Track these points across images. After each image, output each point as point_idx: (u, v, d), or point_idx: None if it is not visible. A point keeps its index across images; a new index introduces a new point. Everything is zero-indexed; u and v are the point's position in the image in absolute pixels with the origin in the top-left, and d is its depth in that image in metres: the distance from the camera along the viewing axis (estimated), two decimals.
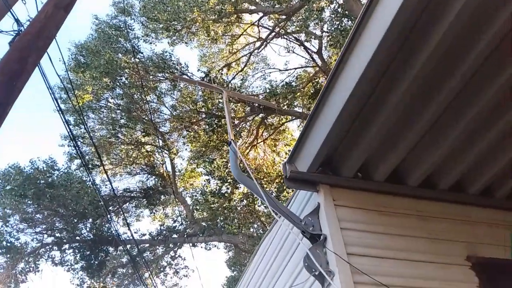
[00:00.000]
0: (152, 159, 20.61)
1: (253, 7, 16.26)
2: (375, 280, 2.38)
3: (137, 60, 16.24)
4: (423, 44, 2.21)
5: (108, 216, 10.95)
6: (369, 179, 2.92)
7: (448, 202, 3.03)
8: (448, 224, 2.92)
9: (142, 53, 17.01)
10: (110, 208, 18.43)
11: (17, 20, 6.26)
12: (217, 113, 16.39)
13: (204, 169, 16.54)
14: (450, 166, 2.96)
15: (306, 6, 13.40)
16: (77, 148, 7.61)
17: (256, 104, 16.44)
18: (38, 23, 5.87)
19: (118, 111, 18.40)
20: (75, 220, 15.08)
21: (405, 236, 2.76)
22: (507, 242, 2.92)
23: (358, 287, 2.36)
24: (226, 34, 17.71)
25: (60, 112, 7.87)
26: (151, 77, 17.61)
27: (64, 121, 7.74)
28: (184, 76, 17.33)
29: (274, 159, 18.98)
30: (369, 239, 2.66)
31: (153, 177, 21.04)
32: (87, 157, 18.22)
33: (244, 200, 17.58)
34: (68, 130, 7.49)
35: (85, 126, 10.70)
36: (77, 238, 14.92)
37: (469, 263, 2.72)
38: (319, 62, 16.96)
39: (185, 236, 18.17)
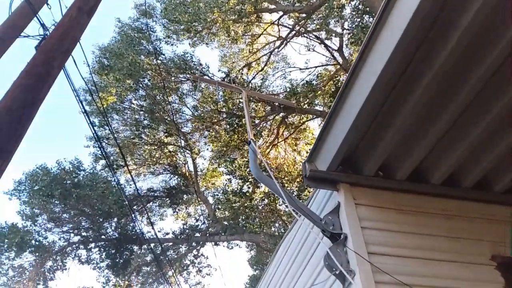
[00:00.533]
0: (174, 159, 20.89)
1: (273, 6, 16.25)
2: (397, 280, 2.36)
3: (159, 61, 16.47)
4: (443, 42, 2.17)
5: (132, 215, 11.13)
6: (390, 178, 2.88)
7: (472, 200, 2.96)
8: (471, 223, 2.86)
9: (164, 54, 17.24)
10: (135, 207, 18.79)
11: (42, 25, 6.44)
12: (237, 113, 16.45)
13: (225, 168, 16.64)
14: (473, 164, 2.90)
15: (326, 4, 13.30)
16: (101, 149, 7.77)
17: (277, 103, 16.43)
18: (62, 27, 6.03)
19: (141, 112, 18.71)
20: (101, 220, 15.41)
21: (427, 235, 2.71)
22: None
23: (380, 286, 2.34)
24: (246, 34, 17.76)
25: (85, 114, 8.06)
26: (172, 78, 17.83)
27: (89, 122, 7.93)
28: (205, 76, 17.48)
29: (295, 158, 18.93)
30: (390, 238, 2.63)
31: (176, 176, 21.33)
32: (111, 158, 18.61)
33: (265, 199, 17.62)
34: (93, 131, 7.67)
35: (109, 127, 10.91)
36: (103, 237, 15.25)
37: (494, 263, 2.66)
38: (340, 60, 16.81)
39: (207, 234, 18.33)
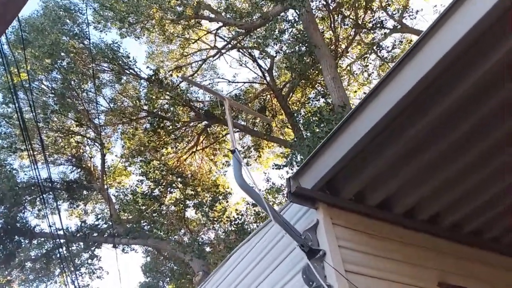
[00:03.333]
0: (81, 151, 19.54)
1: (213, 16, 16.33)
2: None
3: (85, 45, 15.45)
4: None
5: (30, 203, 10.11)
6: (362, 203, 3.14)
7: (425, 232, 3.35)
8: (423, 251, 3.23)
9: (89, 39, 16.21)
10: (26, 197, 17.11)
11: None
12: (161, 114, 16.05)
13: (139, 168, 16.01)
14: (432, 202, 3.29)
15: (267, 25, 13.77)
16: (22, 125, 7.02)
17: (202, 111, 16.40)
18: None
19: (52, 95, 17.28)
20: None
21: (390, 259, 3.00)
22: (474, 274, 3.30)
23: None
24: (181, 36, 17.53)
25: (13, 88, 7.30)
26: (94, 65, 16.81)
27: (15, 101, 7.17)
28: (131, 70, 16.82)
29: (211, 168, 18.97)
30: (362, 259, 2.86)
31: (79, 170, 19.92)
32: (8, 140, 16.82)
33: (175, 207, 17.27)
34: (17, 107, 6.93)
35: (32, 104, 9.85)
36: None
37: None
38: (268, 79, 17.38)
39: (106, 235, 17.34)
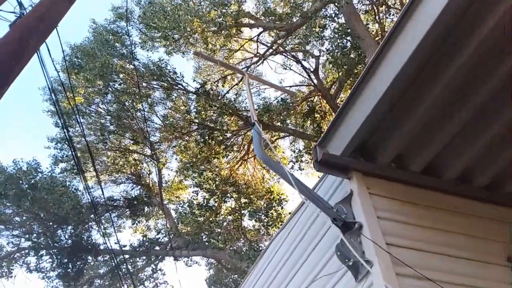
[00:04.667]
0: (139, 168, 20.19)
1: (253, 22, 16.31)
2: (419, 273, 2.16)
3: (133, 66, 16.03)
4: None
5: (93, 221, 10.45)
6: (404, 169, 2.73)
7: (481, 200, 2.85)
8: (482, 222, 2.74)
9: (138, 59, 16.81)
10: (92, 216, 17.85)
11: (20, 3, 6.03)
12: (210, 125, 16.17)
13: (193, 180, 16.16)
14: (486, 164, 2.80)
15: (307, 23, 13.46)
16: (72, 149, 7.26)
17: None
18: (42, 8, 5.65)
19: (108, 117, 18.06)
20: (55, 226, 14.48)
21: (442, 230, 2.56)
22: None
23: (400, 279, 2.13)
24: (224, 47, 17.67)
25: (59, 112, 7.55)
26: (144, 84, 17.37)
27: (62, 122, 7.43)
28: (179, 85, 17.16)
29: (264, 175, 18.74)
30: (407, 231, 2.45)
31: (139, 187, 20.56)
32: (71, 162, 17.72)
33: (231, 215, 17.24)
34: (66, 132, 7.19)
35: (81, 127, 10.30)
36: (56, 244, 14.27)
37: (511, 264, 2.53)
38: (315, 81, 16.96)
39: (168, 249, 17.62)
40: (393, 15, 16.07)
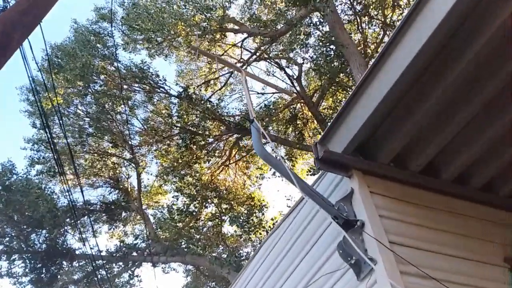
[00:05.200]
0: (117, 171, 19.79)
1: (237, 27, 16.32)
2: (422, 272, 2.15)
3: (114, 68, 15.77)
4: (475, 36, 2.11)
5: (69, 225, 10.14)
6: (403, 168, 2.73)
7: (479, 202, 2.88)
8: (480, 223, 2.76)
9: (120, 61, 16.55)
10: (68, 220, 17.37)
11: None
12: (192, 129, 16.03)
13: (173, 185, 15.95)
14: (483, 166, 2.84)
15: (292, 31, 13.55)
16: (53, 151, 7.05)
17: (233, 124, 16.25)
18: (26, 1, 5.49)
19: (87, 119, 17.68)
20: (29, 229, 14.01)
21: (441, 230, 2.57)
22: None
23: (404, 277, 2.11)
24: (208, 51, 17.60)
25: (41, 113, 7.36)
26: (126, 86, 17.11)
27: (45, 123, 7.20)
28: (161, 88, 16.99)
29: (245, 182, 18.67)
30: (408, 230, 2.45)
31: (117, 191, 20.14)
32: (48, 164, 17.24)
33: (211, 222, 17.07)
34: (48, 132, 6.98)
35: (63, 128, 10.03)
36: (29, 248, 13.79)
37: (507, 265, 2.55)
38: (298, 88, 17.06)
39: (145, 255, 17.28)
40: (375, 25, 16.37)
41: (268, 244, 3.44)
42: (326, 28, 13.36)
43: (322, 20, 12.74)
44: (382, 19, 16.09)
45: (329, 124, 2.61)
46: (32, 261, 13.65)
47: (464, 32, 2.18)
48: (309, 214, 2.88)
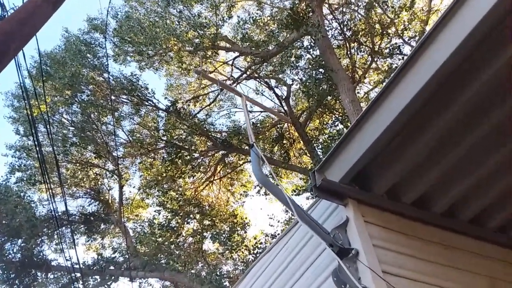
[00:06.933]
0: (99, 183, 19.51)
1: (229, 46, 16.52)
2: None
3: (104, 78, 15.73)
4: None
5: (46, 236, 9.92)
6: (395, 200, 2.83)
7: (468, 235, 2.99)
8: (469, 256, 2.86)
9: (109, 72, 16.52)
10: (45, 230, 16.97)
11: (1, 5, 5.87)
12: (178, 144, 15.99)
13: (156, 199, 15.81)
14: (473, 200, 2.96)
15: (283, 52, 13.80)
16: (40, 157, 6.97)
17: (219, 140, 16.29)
18: (25, 12, 5.53)
19: (72, 128, 17.49)
20: (4, 238, 13.64)
21: (433, 262, 2.65)
22: None
23: None
24: (198, 67, 17.71)
25: (30, 119, 7.29)
26: (113, 97, 17.05)
27: (33, 131, 7.13)
28: (149, 101, 16.96)
29: (228, 198, 18.63)
30: (401, 260, 2.52)
31: (97, 202, 19.81)
32: (28, 172, 16.91)
33: (192, 238, 16.92)
34: (35, 139, 6.91)
35: (50, 135, 9.91)
36: (3, 258, 13.40)
37: None
38: (285, 108, 17.27)
39: (123, 269, 16.94)
40: (363, 51, 16.79)
41: (258, 267, 3.47)
42: (317, 52, 13.65)
43: (313, 44, 13.02)
44: (371, 46, 16.53)
45: (327, 154, 2.70)
46: (6, 271, 13.26)
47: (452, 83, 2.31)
48: (303, 239, 2.94)
